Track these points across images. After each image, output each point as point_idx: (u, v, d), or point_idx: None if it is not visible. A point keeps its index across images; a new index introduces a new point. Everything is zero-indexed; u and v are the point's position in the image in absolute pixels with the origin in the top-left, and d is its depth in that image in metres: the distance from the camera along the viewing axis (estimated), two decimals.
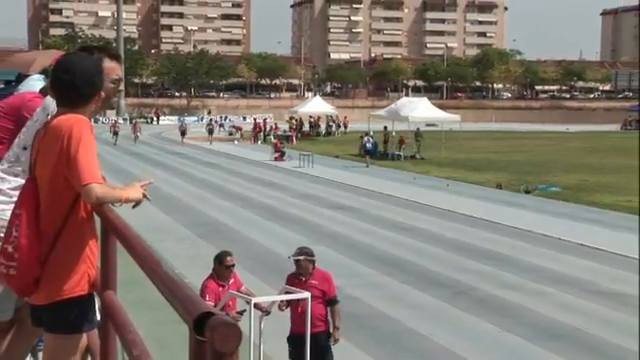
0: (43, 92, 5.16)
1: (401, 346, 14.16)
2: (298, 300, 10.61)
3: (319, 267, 11.33)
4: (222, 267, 10.60)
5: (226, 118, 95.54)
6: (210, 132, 68.25)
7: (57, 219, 3.78)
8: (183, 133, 67.24)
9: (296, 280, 11.09)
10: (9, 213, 4.01)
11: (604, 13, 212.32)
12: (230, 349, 1.62)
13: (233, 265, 10.82)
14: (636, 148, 63.60)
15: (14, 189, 4.20)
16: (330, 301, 11.10)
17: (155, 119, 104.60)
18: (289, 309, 10.95)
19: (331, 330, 11.06)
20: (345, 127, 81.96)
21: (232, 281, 10.72)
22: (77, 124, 3.75)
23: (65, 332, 3.87)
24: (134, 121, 68.10)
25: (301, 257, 11.04)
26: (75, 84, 3.85)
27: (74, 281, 3.79)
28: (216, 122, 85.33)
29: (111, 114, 63.06)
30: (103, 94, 3.98)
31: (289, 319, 11.13)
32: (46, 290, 3.81)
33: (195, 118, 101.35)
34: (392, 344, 14.20)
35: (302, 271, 11.08)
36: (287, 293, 11.16)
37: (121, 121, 66.87)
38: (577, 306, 17.27)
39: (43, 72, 5.70)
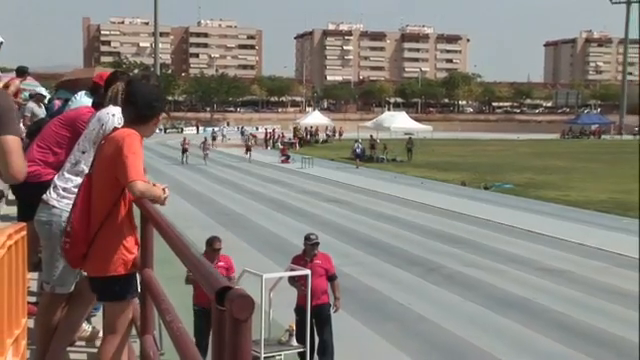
0: (94, 105, 5.19)
1: (385, 313, 14.18)
2: (303, 275, 10.65)
3: (320, 250, 11.39)
4: (211, 249, 10.60)
5: (242, 128, 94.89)
6: (214, 139, 67.89)
7: (103, 211, 3.82)
8: (214, 138, 67.82)
9: (302, 261, 11.10)
10: None
11: (547, 44, 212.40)
12: (245, 316, 1.63)
13: (220, 249, 10.78)
14: (571, 153, 63.72)
15: (76, 187, 4.22)
16: (331, 277, 11.17)
17: (196, 129, 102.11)
18: (296, 284, 10.96)
19: (331, 302, 11.11)
20: (340, 135, 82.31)
21: (221, 263, 10.64)
22: (129, 136, 3.80)
23: (112, 300, 3.92)
24: (204, 138, 54.03)
25: (314, 241, 11.13)
26: (137, 106, 3.91)
27: (113, 263, 3.82)
28: (236, 131, 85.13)
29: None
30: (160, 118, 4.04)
31: (295, 293, 11.16)
32: (92, 265, 3.90)
33: (217, 128, 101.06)
34: (377, 312, 14.22)
35: (308, 253, 11.14)
36: (291, 270, 11.23)
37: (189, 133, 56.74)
38: (526, 280, 17.28)
39: (91, 89, 5.75)
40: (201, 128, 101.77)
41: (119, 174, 3.69)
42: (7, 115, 3.63)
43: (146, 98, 3.97)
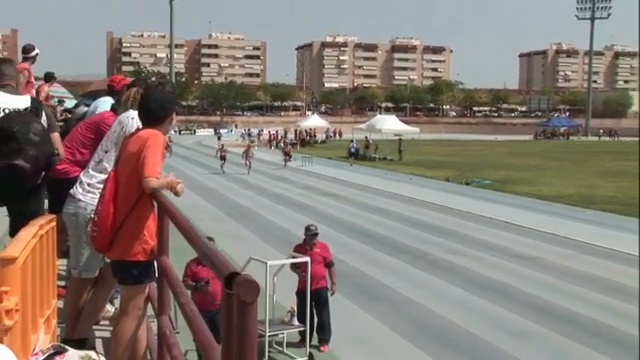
0: (113, 109, 5.22)
1: (376, 296, 14.18)
2: (304, 264, 10.78)
3: (319, 239, 11.43)
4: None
5: (249, 129, 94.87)
6: (219, 138, 67.74)
7: (128, 202, 3.82)
8: (219, 138, 67.83)
9: (303, 249, 11.23)
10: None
11: (521, 55, 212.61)
12: (251, 299, 1.62)
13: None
14: (542, 153, 63.78)
15: (100, 182, 4.23)
16: (328, 264, 11.29)
17: (213, 131, 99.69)
18: (297, 270, 11.09)
19: (328, 286, 11.23)
20: (340, 135, 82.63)
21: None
22: (154, 136, 3.84)
23: (131, 283, 3.92)
24: (247, 145, 45.30)
25: (314, 232, 11.26)
26: (152, 109, 3.94)
27: (136, 249, 3.82)
28: (243, 132, 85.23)
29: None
30: (174, 118, 4.07)
31: (296, 278, 11.19)
32: (117, 251, 3.88)
33: (226, 130, 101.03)
34: (370, 294, 14.22)
35: (308, 242, 11.24)
36: (293, 257, 11.25)
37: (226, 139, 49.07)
38: (502, 266, 17.30)
39: (107, 92, 5.84)
40: (239, 130, 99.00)
41: (139, 169, 3.70)
42: (51, 119, 4.68)
43: (159, 101, 4.02)
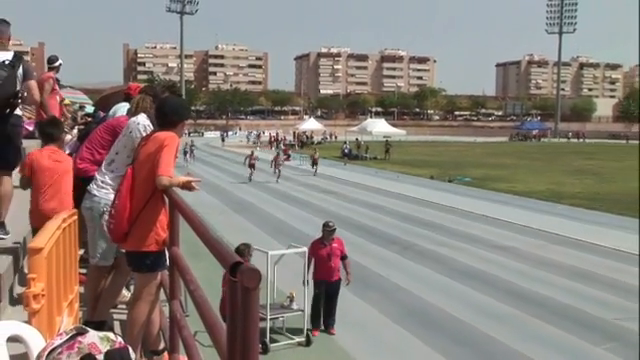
0: (129, 113, 5.20)
1: (369, 283, 14.13)
2: (327, 256, 10.73)
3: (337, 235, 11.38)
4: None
5: (251, 132, 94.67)
6: (223, 140, 67.28)
7: (143, 198, 3.80)
8: (223, 139, 67.20)
9: (321, 244, 10.94)
10: (111, 196, 4.06)
11: (497, 65, 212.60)
12: (253, 286, 1.61)
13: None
14: (517, 153, 63.86)
15: (112, 179, 4.24)
16: (343, 257, 11.08)
17: (225, 133, 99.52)
18: (314, 263, 10.85)
19: (343, 277, 11.10)
20: (335, 138, 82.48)
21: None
22: (170, 137, 3.83)
23: (145, 271, 3.91)
24: (277, 152, 40.99)
25: (333, 228, 10.97)
26: (167, 114, 3.92)
27: (149, 240, 3.80)
28: (248, 134, 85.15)
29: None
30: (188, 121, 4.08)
31: (292, 268, 11.16)
32: (132, 241, 3.85)
33: (232, 132, 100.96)
34: (362, 282, 14.15)
35: (326, 237, 10.97)
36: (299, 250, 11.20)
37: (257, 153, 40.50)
38: (482, 256, 17.31)
39: (124, 98, 5.81)
40: (243, 132, 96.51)
41: (154, 167, 3.69)
42: (28, 70, 4.84)
43: (174, 107, 4.02)
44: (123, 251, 4.14)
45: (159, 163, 3.67)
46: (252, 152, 37.68)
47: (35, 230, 5.12)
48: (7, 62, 4.72)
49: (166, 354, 4.05)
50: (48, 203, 4.73)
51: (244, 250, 9.82)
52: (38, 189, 4.82)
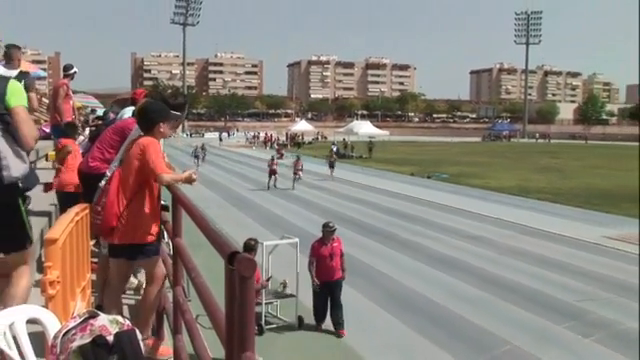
0: (134, 115, 5.19)
1: (354, 271, 14.00)
2: (328, 256, 10.12)
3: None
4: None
5: (247, 132, 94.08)
6: (220, 140, 66.66)
7: (129, 195, 3.80)
8: (220, 139, 66.90)
9: (322, 245, 10.28)
10: None
11: (471, 72, 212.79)
12: (249, 274, 1.61)
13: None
14: (489, 152, 64.06)
15: None
16: (343, 254, 10.45)
17: (227, 134, 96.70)
18: (315, 264, 10.15)
19: (344, 276, 10.54)
20: (325, 138, 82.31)
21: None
22: (150, 143, 3.81)
23: (139, 260, 3.89)
24: (297, 156, 33.76)
25: (333, 229, 10.31)
26: (141, 119, 3.94)
27: (138, 232, 3.81)
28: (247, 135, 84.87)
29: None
30: (163, 126, 3.96)
31: (293, 257, 10.93)
32: (121, 235, 3.82)
33: (231, 133, 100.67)
34: (348, 269, 14.18)
35: (327, 237, 10.28)
36: (285, 238, 11.16)
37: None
38: (456, 245, 17.36)
39: (132, 104, 5.78)
40: (240, 132, 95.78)
41: (149, 171, 3.67)
42: (29, 84, 4.79)
43: (147, 112, 3.95)
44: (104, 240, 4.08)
45: (153, 167, 3.65)
46: (273, 157, 31.40)
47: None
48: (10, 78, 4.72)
49: (149, 340, 4.05)
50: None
51: (254, 245, 9.74)
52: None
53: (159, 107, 4.08)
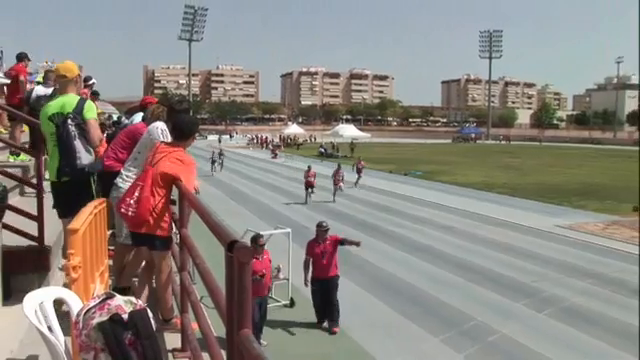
0: (143, 120, 5.18)
1: (341, 259, 14.15)
2: (321, 255, 9.44)
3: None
4: (255, 245, 8.26)
5: (246, 135, 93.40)
6: (219, 141, 66.31)
7: (162, 194, 3.76)
8: (219, 141, 66.67)
9: (316, 244, 9.59)
10: None
11: (443, 82, 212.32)
12: (246, 260, 1.60)
13: (263, 245, 8.73)
14: (458, 152, 64.25)
15: (135, 174, 4.19)
16: (341, 242, 9.70)
17: (229, 136, 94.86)
18: (312, 261, 9.50)
19: (339, 274, 9.76)
20: (315, 139, 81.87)
21: (265, 257, 8.62)
22: (191, 163, 3.80)
23: (159, 250, 3.88)
24: (338, 164, 27.20)
25: (326, 228, 9.60)
26: (182, 131, 3.88)
27: (161, 226, 3.77)
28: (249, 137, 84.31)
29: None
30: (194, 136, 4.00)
31: (286, 245, 10.96)
32: (147, 227, 3.78)
33: (230, 135, 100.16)
34: (344, 263, 14.27)
35: (321, 237, 9.58)
36: (277, 228, 11.08)
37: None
38: (430, 234, 17.42)
39: (141, 110, 5.78)
40: (239, 135, 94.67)
41: (175, 176, 3.67)
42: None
43: (185, 124, 3.93)
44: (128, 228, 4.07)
45: (185, 182, 3.62)
46: (309, 167, 24.69)
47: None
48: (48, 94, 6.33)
49: (176, 319, 4.04)
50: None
51: (260, 238, 9.26)
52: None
53: (196, 121, 4.14)
